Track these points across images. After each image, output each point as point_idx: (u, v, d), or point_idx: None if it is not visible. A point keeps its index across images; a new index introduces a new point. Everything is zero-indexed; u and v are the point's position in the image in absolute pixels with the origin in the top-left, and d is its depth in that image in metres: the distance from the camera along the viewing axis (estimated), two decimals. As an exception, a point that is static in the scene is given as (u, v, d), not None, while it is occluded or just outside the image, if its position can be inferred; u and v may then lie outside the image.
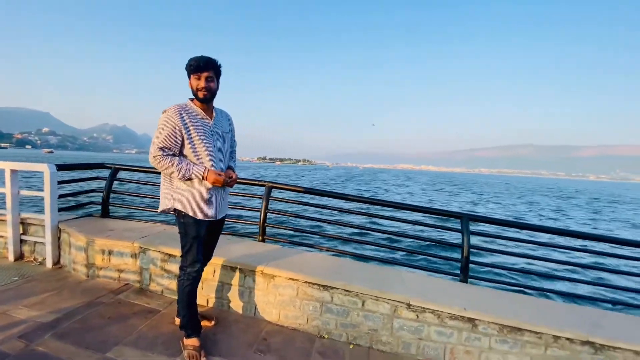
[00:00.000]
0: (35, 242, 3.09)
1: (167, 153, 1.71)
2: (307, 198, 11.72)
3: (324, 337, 2.25)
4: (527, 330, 2.00)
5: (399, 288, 2.26)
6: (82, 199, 3.51)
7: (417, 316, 2.13)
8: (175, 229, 3.07)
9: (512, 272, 4.08)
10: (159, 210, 1.86)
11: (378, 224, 10.15)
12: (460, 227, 2.76)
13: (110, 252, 2.65)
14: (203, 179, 1.76)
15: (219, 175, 1.77)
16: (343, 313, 2.23)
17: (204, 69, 1.70)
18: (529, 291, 3.14)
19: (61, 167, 3.04)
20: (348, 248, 5.85)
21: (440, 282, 2.59)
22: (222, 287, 2.44)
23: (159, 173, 3.41)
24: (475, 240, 2.75)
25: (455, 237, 2.77)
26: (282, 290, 2.32)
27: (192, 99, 1.80)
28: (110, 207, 3.38)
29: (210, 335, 2.08)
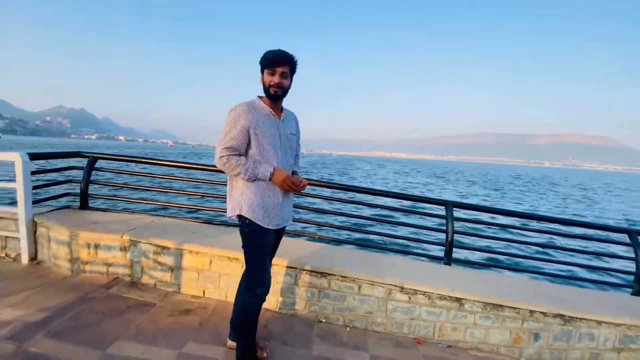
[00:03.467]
0: (7, 237, 2.89)
1: (233, 153, 1.61)
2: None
3: (321, 322, 2.34)
4: (507, 307, 2.21)
5: (391, 273, 2.38)
6: (57, 190, 3.29)
7: (410, 298, 2.28)
8: (164, 221, 2.99)
9: (490, 253, 4.39)
10: (227, 215, 1.73)
11: (372, 211, 10.31)
12: (445, 214, 2.93)
13: (96, 246, 2.55)
14: (270, 179, 1.63)
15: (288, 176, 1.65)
16: (340, 298, 2.33)
17: (279, 63, 1.59)
18: (505, 271, 3.42)
19: (34, 156, 2.82)
20: (340, 236, 5.97)
21: (428, 266, 2.76)
22: (219, 278, 2.44)
23: (143, 162, 3.29)
24: (458, 225, 2.93)
25: (439, 223, 2.94)
26: (280, 279, 2.37)
27: (261, 97, 1.70)
28: (89, 199, 3.21)
29: (210, 325, 2.10)
